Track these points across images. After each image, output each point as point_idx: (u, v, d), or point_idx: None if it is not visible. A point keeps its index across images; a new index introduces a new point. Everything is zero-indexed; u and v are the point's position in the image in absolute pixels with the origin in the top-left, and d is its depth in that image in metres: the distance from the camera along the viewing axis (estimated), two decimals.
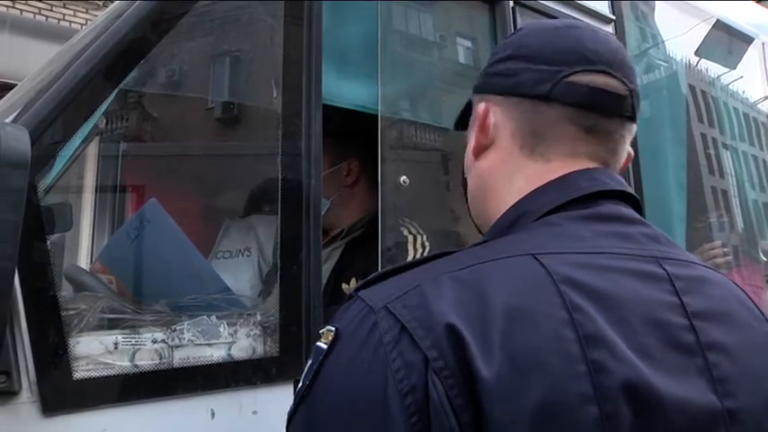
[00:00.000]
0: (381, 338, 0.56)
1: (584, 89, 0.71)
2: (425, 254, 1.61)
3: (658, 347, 0.59)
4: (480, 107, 0.77)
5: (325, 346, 0.59)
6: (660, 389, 0.56)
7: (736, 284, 0.72)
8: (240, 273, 1.51)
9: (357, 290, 0.63)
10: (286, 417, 0.63)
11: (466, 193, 0.84)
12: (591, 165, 0.72)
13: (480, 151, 0.78)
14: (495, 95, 0.76)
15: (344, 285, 1.73)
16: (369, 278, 0.65)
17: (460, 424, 0.51)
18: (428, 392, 0.52)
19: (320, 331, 0.63)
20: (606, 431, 0.53)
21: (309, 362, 0.61)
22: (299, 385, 0.61)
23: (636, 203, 0.73)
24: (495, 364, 0.53)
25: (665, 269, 0.65)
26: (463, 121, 0.91)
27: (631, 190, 0.73)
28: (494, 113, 0.76)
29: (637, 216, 0.71)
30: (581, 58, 0.72)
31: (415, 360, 0.54)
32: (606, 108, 0.72)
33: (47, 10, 5.70)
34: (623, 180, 0.74)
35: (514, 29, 1.78)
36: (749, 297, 0.71)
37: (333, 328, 0.60)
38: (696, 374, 0.59)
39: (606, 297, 0.59)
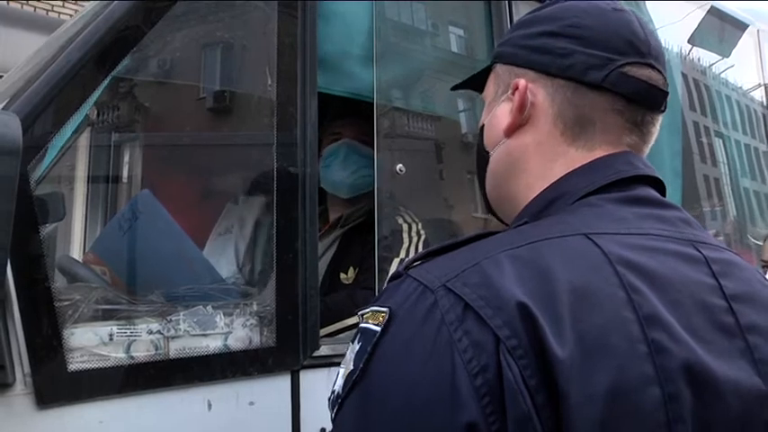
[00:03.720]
0: (443, 318, 0.54)
1: (637, 83, 0.70)
2: (421, 242, 1.61)
3: (707, 329, 0.59)
4: (519, 84, 0.73)
5: (377, 328, 0.57)
6: (716, 371, 0.56)
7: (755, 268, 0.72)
8: (223, 251, 1.52)
9: (404, 269, 0.62)
10: (329, 404, 0.61)
11: (482, 167, 0.81)
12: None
13: (514, 129, 0.75)
14: (535, 72, 0.73)
15: (342, 275, 1.72)
16: (412, 258, 0.64)
17: (535, 405, 0.50)
18: (501, 373, 0.51)
19: (361, 313, 0.61)
20: (669, 412, 0.53)
21: (358, 345, 0.58)
22: (347, 370, 0.58)
23: (663, 189, 0.73)
24: (568, 343, 0.52)
25: (701, 252, 0.65)
26: (472, 84, 0.88)
27: (660, 175, 0.73)
28: (532, 92, 0.73)
29: (668, 200, 0.72)
30: (633, 48, 0.70)
31: (484, 339, 0.52)
32: (653, 103, 0.72)
33: (35, 0, 5.63)
34: (652, 165, 0.74)
35: (510, 16, 1.77)
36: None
37: (383, 309, 0.58)
38: (739, 356, 0.59)
39: (658, 278, 0.59)
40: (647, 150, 0.75)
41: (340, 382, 0.59)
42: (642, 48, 0.71)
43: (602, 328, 0.54)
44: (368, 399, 0.56)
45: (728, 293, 0.63)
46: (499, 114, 0.77)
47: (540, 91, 0.73)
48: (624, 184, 0.69)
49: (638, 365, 0.53)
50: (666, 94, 0.72)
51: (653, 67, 0.71)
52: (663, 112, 0.74)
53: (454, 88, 0.96)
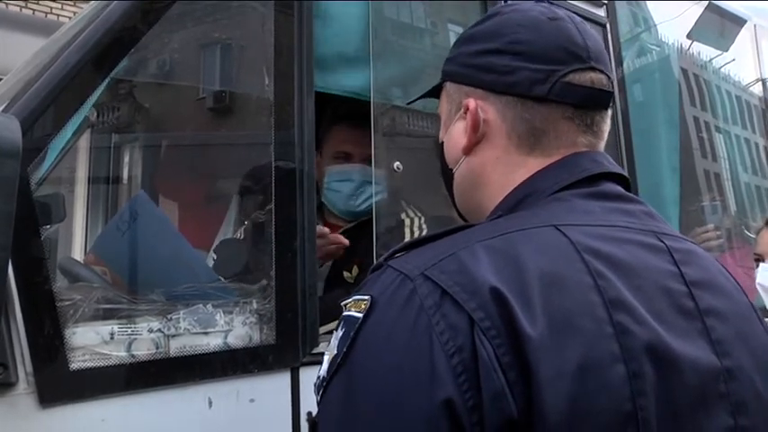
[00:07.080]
0: (422, 303, 0.57)
1: (580, 90, 0.73)
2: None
3: (669, 312, 0.63)
4: (470, 104, 0.76)
5: (359, 315, 0.60)
6: (676, 349, 0.60)
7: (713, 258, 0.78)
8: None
9: (384, 260, 0.65)
10: (314, 388, 0.63)
11: (448, 181, 0.84)
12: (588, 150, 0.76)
13: (472, 147, 0.77)
14: (483, 90, 0.76)
15: (346, 274, 1.72)
16: (391, 251, 0.67)
17: (508, 381, 0.54)
18: (476, 352, 0.54)
19: (344, 303, 0.64)
20: (633, 388, 0.57)
21: (341, 331, 0.62)
22: (331, 355, 0.61)
23: (628, 185, 0.77)
24: (538, 324, 0.56)
25: (663, 242, 0.70)
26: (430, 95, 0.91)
27: (624, 172, 0.77)
28: (483, 110, 0.76)
29: (634, 195, 0.76)
30: (574, 55, 0.73)
31: (459, 322, 0.56)
32: (599, 105, 0.75)
33: (33, 3, 5.64)
34: (616, 163, 0.78)
35: None
36: (725, 268, 0.77)
37: (365, 297, 0.61)
38: (698, 336, 0.64)
39: (622, 265, 0.63)
40: (602, 146, 0.78)
41: (325, 366, 0.62)
42: (582, 53, 0.74)
43: (570, 311, 0.58)
44: (351, 381, 0.59)
45: (689, 280, 0.67)
46: (455, 134, 0.80)
47: (490, 108, 0.76)
48: (591, 180, 0.73)
49: (605, 345, 0.57)
50: (610, 93, 0.75)
51: (594, 69, 0.74)
52: (609, 108, 0.77)
53: (410, 103, 0.98)
